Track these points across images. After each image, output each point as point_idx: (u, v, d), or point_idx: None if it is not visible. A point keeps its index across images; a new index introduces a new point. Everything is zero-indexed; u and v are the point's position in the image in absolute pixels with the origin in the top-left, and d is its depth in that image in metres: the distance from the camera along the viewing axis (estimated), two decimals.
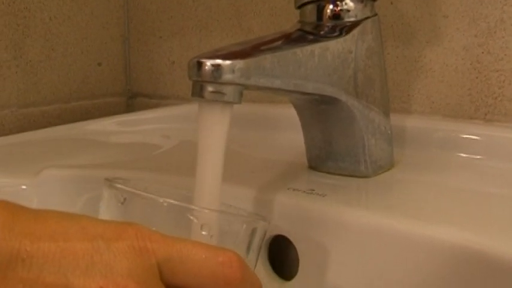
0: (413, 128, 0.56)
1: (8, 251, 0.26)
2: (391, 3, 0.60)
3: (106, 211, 0.33)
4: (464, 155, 0.53)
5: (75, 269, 0.27)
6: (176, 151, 0.62)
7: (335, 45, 0.45)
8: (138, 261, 0.28)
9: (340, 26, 0.46)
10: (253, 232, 0.33)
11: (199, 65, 0.38)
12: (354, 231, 0.41)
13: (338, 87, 0.46)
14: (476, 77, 0.56)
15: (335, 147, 0.49)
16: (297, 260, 0.44)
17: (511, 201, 0.44)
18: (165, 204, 0.31)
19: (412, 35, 0.59)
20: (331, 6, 0.47)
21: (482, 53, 0.56)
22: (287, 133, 0.60)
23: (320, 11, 0.47)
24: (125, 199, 0.32)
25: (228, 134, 0.37)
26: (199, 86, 0.38)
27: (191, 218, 0.31)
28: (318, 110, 0.48)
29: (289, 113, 0.52)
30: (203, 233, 0.31)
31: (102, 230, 0.28)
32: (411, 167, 0.52)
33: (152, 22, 0.82)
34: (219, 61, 0.38)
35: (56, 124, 0.74)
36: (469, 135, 0.54)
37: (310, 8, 0.47)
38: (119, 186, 0.33)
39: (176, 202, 0.32)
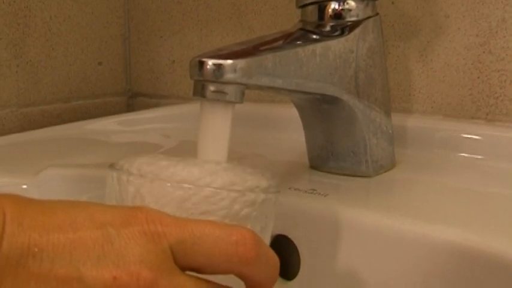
0: (415, 128, 0.56)
1: (19, 247, 0.26)
2: (392, 2, 0.60)
3: (112, 198, 0.33)
4: (466, 155, 0.53)
5: (87, 261, 0.26)
6: (176, 151, 0.62)
7: (336, 45, 0.45)
8: (150, 247, 0.27)
9: (341, 26, 0.46)
10: (263, 205, 0.32)
11: (201, 64, 0.38)
12: (355, 231, 0.41)
13: (339, 87, 0.46)
14: (478, 77, 0.56)
15: (336, 147, 0.49)
16: (299, 259, 0.43)
17: (511, 201, 0.44)
18: (171, 186, 0.31)
19: (413, 35, 0.59)
20: (332, 6, 0.46)
21: (484, 52, 0.56)
22: (288, 133, 0.60)
23: (322, 10, 0.47)
24: (130, 184, 0.32)
25: (230, 134, 0.37)
26: (201, 86, 0.38)
27: (199, 199, 0.31)
28: (320, 110, 0.48)
29: (291, 113, 0.52)
30: (213, 211, 0.31)
31: (111, 216, 0.28)
32: (412, 166, 0.52)
33: (153, 21, 0.82)
34: (220, 60, 0.38)
35: (56, 123, 0.73)
36: (470, 135, 0.54)
37: (312, 8, 0.47)
38: (124, 171, 0.32)
39: (182, 185, 0.31)
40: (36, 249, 0.26)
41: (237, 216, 0.31)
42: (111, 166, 0.33)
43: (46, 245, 0.26)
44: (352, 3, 0.47)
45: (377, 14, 0.48)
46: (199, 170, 0.33)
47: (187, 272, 0.29)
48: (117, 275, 0.26)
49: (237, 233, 0.29)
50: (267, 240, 0.33)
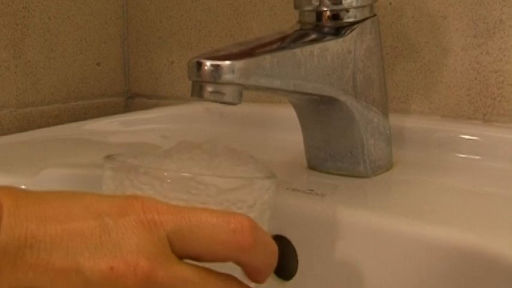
0: (412, 128, 0.56)
1: (16, 238, 0.26)
2: (390, 3, 0.60)
3: (109, 188, 0.32)
4: (463, 156, 0.53)
5: (84, 251, 0.26)
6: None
7: (334, 46, 0.45)
8: (146, 236, 0.27)
9: (339, 27, 0.47)
10: (262, 192, 0.32)
11: (199, 65, 0.38)
12: (353, 231, 0.41)
13: (337, 88, 0.46)
14: (475, 78, 0.56)
15: (334, 148, 0.49)
16: (296, 260, 0.44)
17: (509, 202, 0.44)
18: (169, 177, 0.31)
19: (410, 36, 0.59)
20: (330, 7, 0.47)
21: (481, 53, 0.56)
22: (286, 133, 0.60)
23: (319, 11, 0.47)
24: (127, 174, 0.32)
25: None
26: (199, 86, 0.38)
27: (196, 187, 0.31)
28: (317, 110, 0.48)
29: (289, 113, 0.52)
30: (211, 200, 0.31)
31: (107, 206, 0.28)
32: (410, 167, 0.52)
33: (151, 22, 0.82)
34: (218, 61, 0.38)
35: (54, 124, 0.73)
36: (467, 135, 0.54)
37: None
38: (120, 164, 0.32)
39: (180, 173, 0.31)
40: (33, 241, 0.26)
41: (237, 203, 0.31)
42: (108, 157, 0.33)
43: (43, 236, 0.26)
44: (350, 5, 0.47)
45: (375, 15, 0.48)
46: (196, 161, 0.33)
47: (185, 260, 0.28)
48: (114, 265, 0.26)
49: (235, 220, 0.29)
50: (267, 226, 0.33)
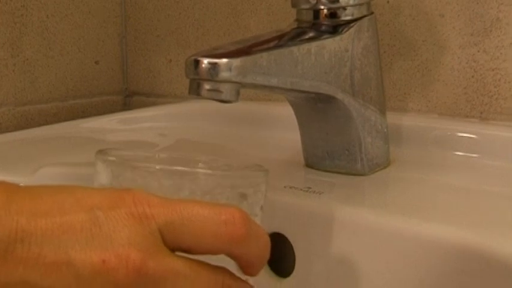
0: (410, 127, 0.56)
1: (6, 233, 0.26)
2: (388, 1, 0.60)
3: (100, 184, 0.32)
4: (460, 153, 0.53)
5: (75, 244, 0.26)
6: (173, 149, 0.63)
7: (331, 44, 0.45)
8: (138, 229, 0.27)
9: (336, 25, 0.47)
10: (254, 185, 0.32)
11: (197, 63, 0.38)
12: (350, 229, 0.41)
13: (334, 86, 0.46)
14: (472, 76, 0.57)
15: (331, 146, 0.49)
16: (294, 257, 0.44)
17: (506, 199, 0.44)
18: (161, 171, 0.31)
19: (408, 34, 0.59)
20: (327, 5, 0.47)
21: (478, 51, 0.56)
22: (284, 131, 0.60)
23: (317, 10, 0.47)
24: (119, 170, 0.32)
25: None
26: (197, 84, 0.38)
27: (189, 181, 0.31)
28: (315, 108, 0.49)
29: (286, 112, 0.52)
30: (203, 193, 0.31)
31: (98, 199, 0.28)
32: (407, 165, 0.52)
33: (149, 20, 0.82)
34: (215, 59, 0.38)
35: (53, 122, 0.73)
36: (465, 133, 0.54)
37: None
38: (112, 158, 0.32)
39: (172, 168, 0.31)
40: (23, 234, 0.26)
41: (229, 196, 0.31)
42: (100, 151, 0.33)
43: (34, 230, 0.26)
44: (347, 3, 0.47)
45: (372, 13, 0.48)
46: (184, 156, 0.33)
47: (177, 253, 0.28)
48: (105, 258, 0.26)
49: (226, 212, 0.28)
50: (259, 219, 0.33)
